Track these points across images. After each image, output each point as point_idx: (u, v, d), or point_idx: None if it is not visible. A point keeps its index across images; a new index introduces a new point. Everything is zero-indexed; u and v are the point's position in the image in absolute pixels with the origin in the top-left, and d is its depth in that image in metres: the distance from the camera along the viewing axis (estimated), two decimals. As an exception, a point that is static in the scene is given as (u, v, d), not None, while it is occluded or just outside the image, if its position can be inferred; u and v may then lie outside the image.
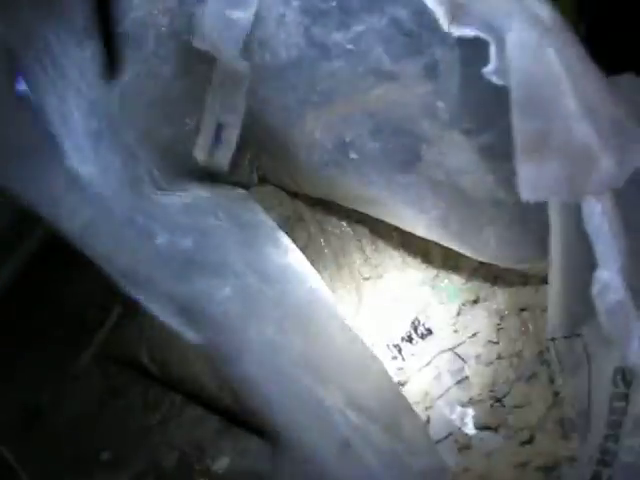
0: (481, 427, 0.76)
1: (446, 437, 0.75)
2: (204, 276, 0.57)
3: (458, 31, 0.49)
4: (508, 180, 0.67)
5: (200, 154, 0.74)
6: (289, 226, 0.85)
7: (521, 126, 0.46)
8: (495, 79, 0.50)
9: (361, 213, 0.83)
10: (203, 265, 0.58)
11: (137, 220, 0.56)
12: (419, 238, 0.81)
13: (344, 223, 0.85)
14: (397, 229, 0.82)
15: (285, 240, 0.70)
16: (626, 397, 0.64)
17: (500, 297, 0.83)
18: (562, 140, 0.45)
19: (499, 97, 0.49)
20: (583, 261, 0.58)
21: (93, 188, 0.52)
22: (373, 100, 0.66)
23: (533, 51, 0.45)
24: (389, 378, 0.68)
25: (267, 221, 0.70)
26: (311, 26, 0.63)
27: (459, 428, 0.75)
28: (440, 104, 0.65)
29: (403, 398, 0.69)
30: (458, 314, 0.82)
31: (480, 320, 0.82)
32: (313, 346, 0.61)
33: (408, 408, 0.68)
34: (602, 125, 0.45)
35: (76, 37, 0.59)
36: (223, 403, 0.74)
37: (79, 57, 0.59)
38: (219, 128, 0.74)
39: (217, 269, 0.59)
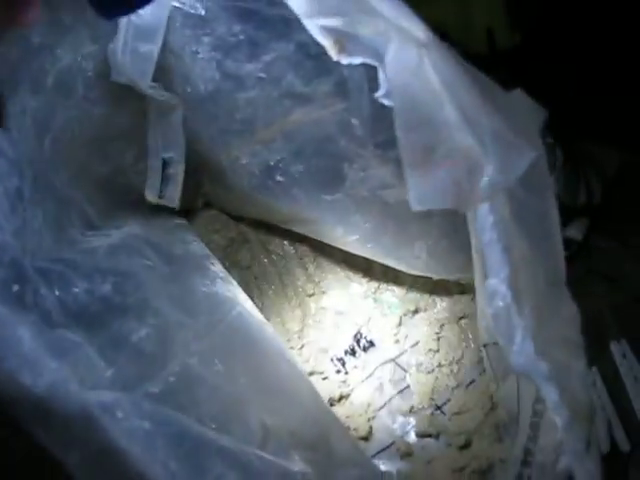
0: (422, 435, 0.77)
1: (389, 446, 0.77)
2: (121, 319, 0.58)
3: (346, 60, 0.51)
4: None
5: (150, 195, 0.76)
6: (233, 248, 0.87)
7: (405, 140, 0.48)
8: (387, 102, 0.52)
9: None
10: (121, 308, 0.59)
11: (55, 270, 0.57)
12: (360, 253, 0.83)
13: (286, 242, 0.88)
14: (338, 246, 0.85)
15: (215, 268, 0.72)
16: (544, 401, 0.66)
17: (439, 306, 0.86)
18: (445, 150, 0.47)
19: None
20: None
21: (7, 254, 0.53)
22: (291, 123, 0.69)
23: (411, 69, 0.46)
24: (317, 396, 0.70)
25: (198, 251, 0.73)
26: (223, 60, 0.66)
27: (401, 437, 0.77)
28: (354, 121, 0.68)
29: (330, 413, 0.71)
30: (399, 325, 0.84)
31: (420, 329, 0.84)
32: (240, 372, 0.62)
33: (336, 423, 0.70)
34: (483, 135, 0.47)
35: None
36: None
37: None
38: (165, 165, 0.76)
39: (135, 310, 0.60)
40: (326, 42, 0.50)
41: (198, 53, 0.64)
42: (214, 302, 0.67)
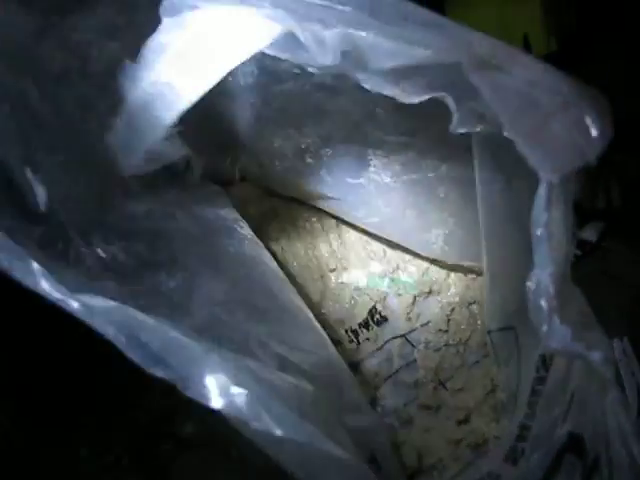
0: (423, 406, 0.83)
1: (391, 414, 0.83)
2: (153, 273, 0.65)
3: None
4: (449, 176, 0.76)
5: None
6: (264, 220, 0.94)
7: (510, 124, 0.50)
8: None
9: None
10: (153, 264, 0.66)
11: (97, 233, 0.65)
12: (381, 234, 0.89)
13: (314, 219, 0.94)
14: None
15: (243, 231, 0.78)
16: (544, 380, 0.72)
17: (452, 290, 0.91)
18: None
19: (428, 105, 0.55)
20: (516, 262, 0.66)
21: (54, 218, 0.61)
22: (322, 112, 0.75)
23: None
24: (332, 348, 0.76)
25: (229, 215, 0.79)
26: (263, 57, 0.72)
27: (403, 406, 0.83)
28: (379, 110, 0.73)
29: (344, 365, 0.76)
30: (413, 304, 0.90)
31: (432, 310, 0.90)
32: (260, 319, 0.69)
33: (346, 369, 0.75)
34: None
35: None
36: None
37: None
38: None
39: (165, 266, 0.67)
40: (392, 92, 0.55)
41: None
42: (240, 260, 0.74)
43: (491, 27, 1.01)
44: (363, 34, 0.46)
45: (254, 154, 0.82)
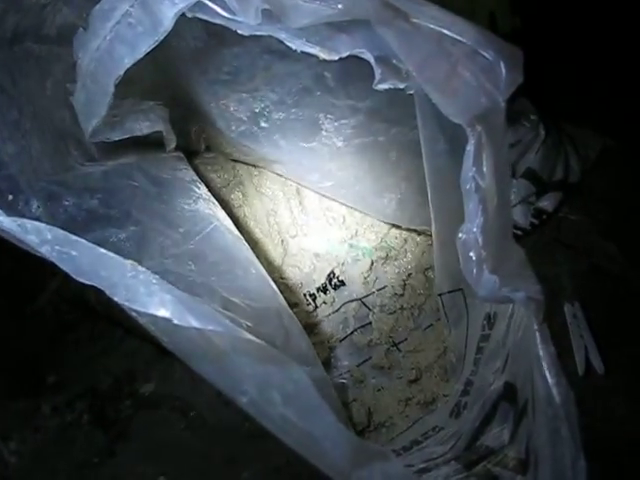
0: (376, 366, 0.85)
1: (344, 373, 0.85)
2: (104, 227, 0.69)
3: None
4: (399, 140, 0.78)
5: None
6: (229, 188, 0.97)
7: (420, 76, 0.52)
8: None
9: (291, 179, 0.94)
10: (105, 218, 0.69)
11: (48, 188, 0.68)
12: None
13: (276, 187, 0.96)
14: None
15: (199, 191, 0.81)
16: (488, 338, 0.74)
17: (409, 256, 0.93)
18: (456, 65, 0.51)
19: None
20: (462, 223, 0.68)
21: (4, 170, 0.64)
22: (272, 75, 0.77)
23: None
24: (281, 300, 0.79)
25: (186, 176, 0.82)
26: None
27: (356, 366, 0.85)
28: (327, 73, 0.75)
29: (293, 317, 0.79)
30: (370, 269, 0.92)
31: (389, 276, 0.92)
32: (210, 270, 0.71)
33: (295, 323, 0.78)
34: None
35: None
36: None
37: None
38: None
39: (118, 220, 0.70)
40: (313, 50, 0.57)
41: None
42: (194, 217, 0.77)
43: (459, 5, 1.02)
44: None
45: (211, 120, 0.84)
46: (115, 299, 0.46)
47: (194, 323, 0.46)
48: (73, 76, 0.68)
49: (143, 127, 0.74)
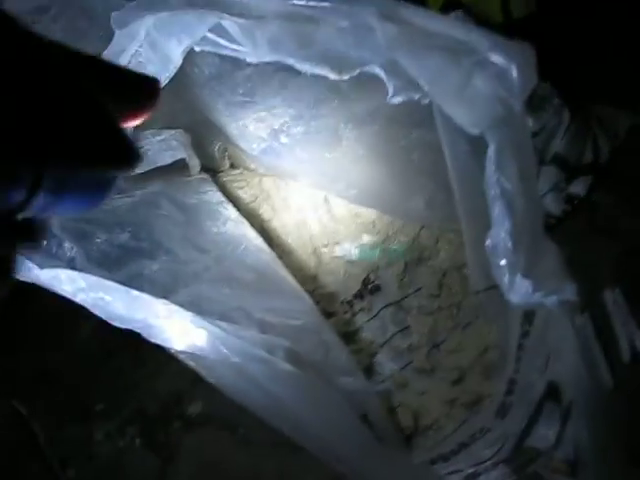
0: (418, 370, 0.85)
1: (387, 378, 0.85)
2: (137, 260, 0.70)
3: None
4: (420, 143, 0.77)
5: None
6: (257, 202, 0.97)
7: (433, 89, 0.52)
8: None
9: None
10: (137, 251, 0.71)
11: (80, 227, 0.69)
12: (370, 206, 0.91)
13: (304, 197, 0.96)
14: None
15: (227, 212, 0.82)
16: (528, 334, 0.73)
17: (443, 255, 0.92)
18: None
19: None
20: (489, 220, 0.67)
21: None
22: (288, 91, 0.77)
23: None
24: (319, 314, 0.80)
25: (212, 199, 0.82)
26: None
27: (399, 370, 0.85)
28: (342, 84, 0.75)
29: (329, 328, 0.80)
30: (404, 271, 0.92)
31: (424, 277, 0.92)
32: (245, 292, 0.72)
33: (333, 336, 0.79)
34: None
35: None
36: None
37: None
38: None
39: (149, 252, 0.71)
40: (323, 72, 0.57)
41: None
42: (224, 240, 0.78)
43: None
44: (282, 23, 0.48)
45: (232, 139, 0.85)
46: (152, 340, 0.47)
47: (231, 358, 0.46)
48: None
49: (166, 157, 0.75)
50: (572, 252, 0.89)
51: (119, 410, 0.86)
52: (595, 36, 1.02)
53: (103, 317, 0.48)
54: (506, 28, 1.02)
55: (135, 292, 0.49)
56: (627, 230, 0.91)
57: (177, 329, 0.48)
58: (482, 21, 0.55)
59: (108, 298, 0.48)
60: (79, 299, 0.48)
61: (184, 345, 0.47)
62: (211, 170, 0.95)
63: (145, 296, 0.48)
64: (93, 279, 0.48)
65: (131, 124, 0.28)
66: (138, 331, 0.48)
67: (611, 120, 1.00)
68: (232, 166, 0.98)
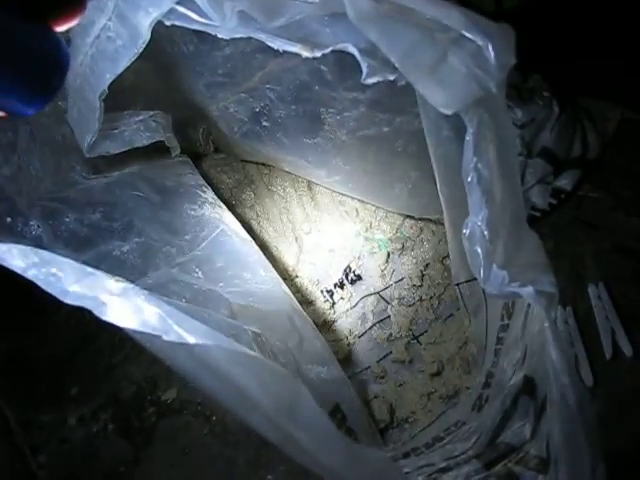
0: (397, 361, 0.83)
1: (365, 369, 0.84)
2: (107, 240, 0.68)
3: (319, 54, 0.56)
4: (404, 129, 0.76)
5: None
6: (239, 188, 0.95)
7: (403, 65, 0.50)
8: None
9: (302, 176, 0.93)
10: (108, 231, 0.69)
11: (50, 205, 0.68)
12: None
13: (287, 184, 0.95)
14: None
15: (205, 195, 0.80)
16: (507, 327, 0.72)
17: (426, 246, 0.91)
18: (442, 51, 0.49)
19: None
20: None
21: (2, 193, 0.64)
22: (268, 73, 0.75)
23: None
24: (294, 302, 0.77)
25: (191, 181, 0.81)
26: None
27: (377, 361, 0.84)
28: (323, 67, 0.73)
29: (306, 318, 0.77)
30: (387, 261, 0.90)
31: (406, 267, 0.90)
32: (217, 276, 0.70)
33: (309, 323, 0.76)
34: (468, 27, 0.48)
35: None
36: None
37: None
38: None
39: (120, 232, 0.69)
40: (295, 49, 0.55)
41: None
42: (200, 223, 0.76)
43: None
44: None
45: (215, 122, 0.83)
46: (103, 319, 0.45)
47: (183, 339, 0.45)
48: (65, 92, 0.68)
49: (144, 138, 0.73)
50: (557, 246, 0.88)
51: (93, 395, 0.84)
52: (585, 29, 1.00)
53: (54, 294, 0.46)
54: (496, 18, 1.00)
55: (89, 269, 0.47)
56: (613, 225, 0.90)
57: (130, 307, 0.46)
58: (473, 10, 0.53)
59: (60, 274, 0.46)
60: (30, 275, 0.46)
61: (136, 324, 0.45)
62: (195, 153, 0.93)
63: (99, 273, 0.47)
64: (47, 254, 0.46)
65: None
66: (89, 309, 0.46)
67: (600, 114, 0.98)
68: (216, 150, 0.96)
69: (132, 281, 0.54)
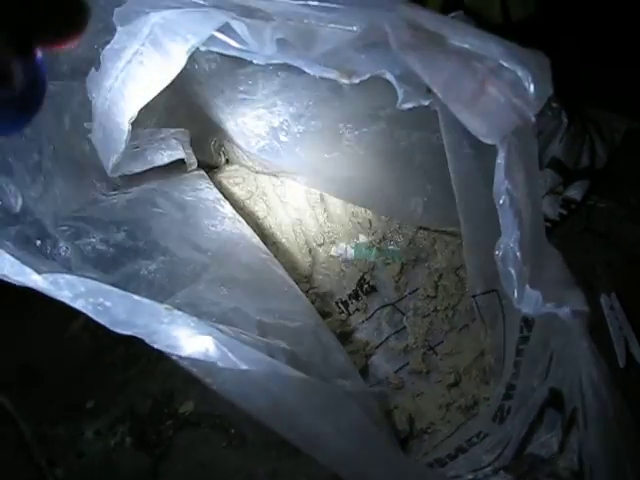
0: (414, 372, 0.84)
1: (382, 380, 0.84)
2: (133, 260, 0.68)
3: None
4: (422, 144, 0.76)
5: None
6: (252, 200, 0.96)
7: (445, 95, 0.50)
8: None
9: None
10: (134, 250, 0.69)
11: (75, 226, 0.68)
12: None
13: (300, 195, 0.95)
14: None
15: (223, 210, 0.80)
16: (528, 339, 0.73)
17: (439, 257, 0.92)
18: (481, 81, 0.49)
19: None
20: (490, 225, 0.67)
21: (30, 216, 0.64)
22: (289, 90, 0.76)
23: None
24: (317, 316, 0.78)
25: (209, 196, 0.81)
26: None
27: (394, 372, 0.85)
28: (344, 85, 0.74)
29: (326, 329, 0.78)
30: (401, 272, 0.91)
31: (421, 278, 0.91)
32: (242, 293, 0.70)
33: (331, 337, 0.77)
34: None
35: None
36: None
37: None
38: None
39: (146, 251, 0.69)
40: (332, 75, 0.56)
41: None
42: (221, 239, 0.76)
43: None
44: (292, 23, 0.47)
45: (230, 136, 0.84)
46: (156, 347, 0.46)
47: (238, 365, 0.45)
48: (89, 108, 0.68)
49: (164, 157, 0.73)
50: (568, 256, 0.89)
51: (110, 408, 0.84)
52: (593, 40, 1.01)
53: (104, 324, 0.47)
54: (505, 30, 1.01)
55: (136, 297, 0.47)
56: (623, 234, 0.91)
57: (181, 335, 0.47)
58: (482, 22, 0.54)
59: (108, 304, 0.46)
60: (79, 305, 0.46)
61: (189, 352, 0.46)
62: (206, 166, 0.93)
63: (146, 301, 0.47)
64: (93, 284, 0.47)
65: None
66: (141, 337, 0.47)
67: (607, 125, 1.00)
68: (227, 162, 0.96)
69: (161, 301, 0.55)
